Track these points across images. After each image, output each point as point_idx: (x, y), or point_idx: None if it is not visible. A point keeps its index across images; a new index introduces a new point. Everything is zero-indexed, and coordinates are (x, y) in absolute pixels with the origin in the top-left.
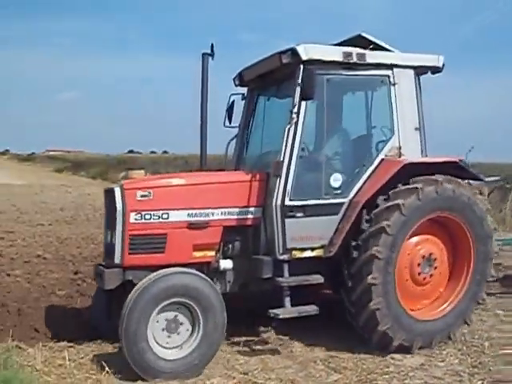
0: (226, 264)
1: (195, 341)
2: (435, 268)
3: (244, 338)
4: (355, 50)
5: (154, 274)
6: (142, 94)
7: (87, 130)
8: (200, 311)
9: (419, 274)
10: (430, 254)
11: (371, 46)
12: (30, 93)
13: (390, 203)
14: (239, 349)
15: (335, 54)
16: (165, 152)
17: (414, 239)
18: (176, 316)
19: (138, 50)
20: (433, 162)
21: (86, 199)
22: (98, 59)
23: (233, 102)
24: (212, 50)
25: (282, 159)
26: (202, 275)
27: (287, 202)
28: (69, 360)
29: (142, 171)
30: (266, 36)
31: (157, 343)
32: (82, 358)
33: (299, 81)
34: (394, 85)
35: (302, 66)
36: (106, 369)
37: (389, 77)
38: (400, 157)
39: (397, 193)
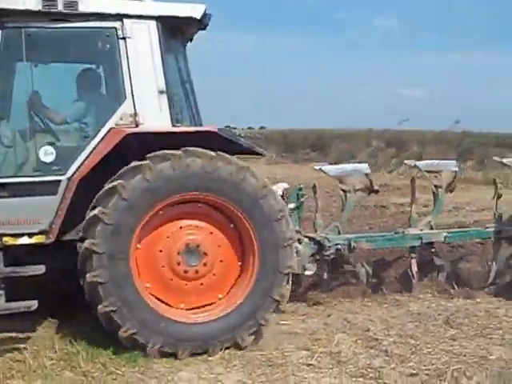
0: None
1: None
2: (205, 260)
3: (360, 298)
4: None
5: None
6: (231, 69)
7: None
8: None
9: (184, 270)
10: (188, 244)
11: None
12: None
13: (110, 185)
14: (357, 308)
15: (31, 1)
16: (262, 127)
17: (175, 224)
18: None
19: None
20: (179, 132)
21: None
22: None
23: None
24: None
25: None
26: None
27: None
28: None
29: None
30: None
31: None
32: None
33: None
34: (124, 39)
35: None
36: None
37: (116, 29)
38: (138, 125)
39: (122, 173)
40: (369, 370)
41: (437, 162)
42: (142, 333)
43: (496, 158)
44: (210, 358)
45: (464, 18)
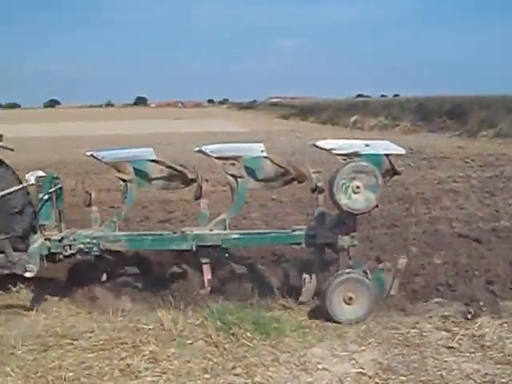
0: None
1: None
2: None
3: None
4: None
5: None
6: (362, 37)
7: (312, 75)
8: None
9: None
10: None
11: None
12: (247, 41)
13: None
14: None
15: None
16: (396, 95)
17: None
18: None
19: None
20: None
21: None
22: (315, 3)
23: None
24: None
25: None
26: None
27: None
28: None
29: None
30: None
31: None
32: None
33: None
34: None
35: None
36: None
37: None
38: None
39: None
40: None
41: (232, 145)
42: None
43: (197, 149)
44: (344, 335)
45: None
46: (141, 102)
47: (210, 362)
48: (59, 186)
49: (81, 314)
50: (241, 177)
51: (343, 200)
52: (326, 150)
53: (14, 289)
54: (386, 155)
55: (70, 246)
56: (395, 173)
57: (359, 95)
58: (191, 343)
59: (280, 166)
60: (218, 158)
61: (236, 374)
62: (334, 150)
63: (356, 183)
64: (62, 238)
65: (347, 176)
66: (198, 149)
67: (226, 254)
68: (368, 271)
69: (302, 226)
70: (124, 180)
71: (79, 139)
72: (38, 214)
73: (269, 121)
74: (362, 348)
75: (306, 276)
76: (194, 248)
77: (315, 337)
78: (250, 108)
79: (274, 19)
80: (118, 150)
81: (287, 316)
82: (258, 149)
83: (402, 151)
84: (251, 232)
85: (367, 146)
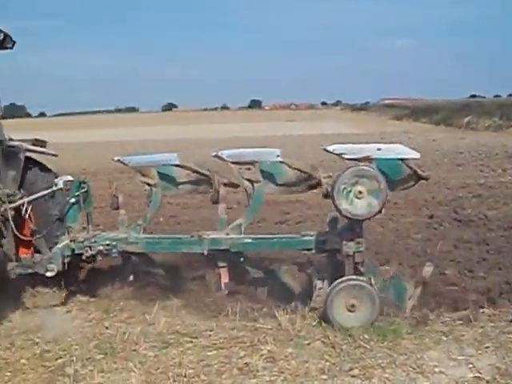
0: None
1: None
2: None
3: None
4: None
5: None
6: (476, 36)
7: (424, 76)
8: None
9: None
10: None
11: None
12: (359, 42)
13: None
14: None
15: None
16: (510, 95)
17: None
18: None
19: None
20: None
21: (432, 145)
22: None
23: None
24: None
25: None
26: None
27: None
28: None
29: None
30: None
31: None
32: None
33: None
34: None
35: None
36: None
37: None
38: None
39: None
40: None
41: (248, 150)
42: None
43: (214, 154)
44: (461, 338)
45: None
46: (255, 104)
47: (328, 363)
48: (85, 189)
49: (200, 313)
50: (257, 181)
51: (344, 205)
52: (336, 154)
53: (134, 287)
54: (402, 160)
55: (90, 247)
56: (420, 177)
57: (473, 95)
58: (308, 344)
59: (301, 171)
60: (234, 162)
61: (353, 376)
62: (345, 154)
63: (359, 188)
64: (85, 240)
65: (349, 181)
66: (214, 154)
67: (242, 258)
68: (372, 278)
69: (313, 232)
70: (149, 184)
71: (193, 141)
72: (66, 217)
73: (382, 122)
74: (479, 352)
75: (317, 282)
76: (206, 252)
77: (432, 340)
78: (362, 109)
79: (386, 19)
80: (144, 156)
81: (403, 318)
82: (273, 154)
83: (417, 155)
84: (263, 237)
85: (379, 150)
